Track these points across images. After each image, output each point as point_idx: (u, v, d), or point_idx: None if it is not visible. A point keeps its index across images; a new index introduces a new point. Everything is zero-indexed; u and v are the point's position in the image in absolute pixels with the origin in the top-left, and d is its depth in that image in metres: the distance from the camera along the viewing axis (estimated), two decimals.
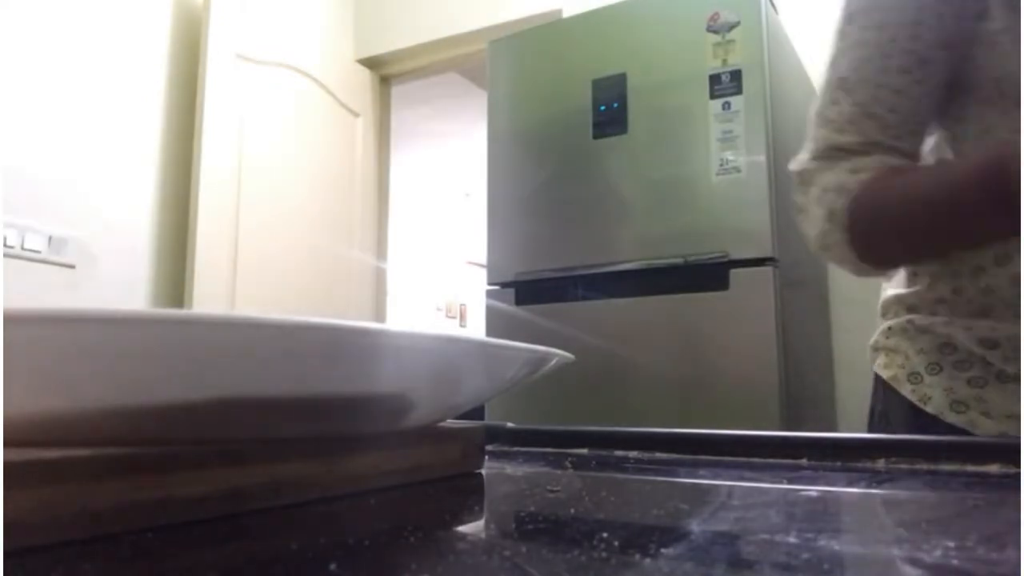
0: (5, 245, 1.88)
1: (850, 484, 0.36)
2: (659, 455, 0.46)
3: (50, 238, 1.98)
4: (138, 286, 2.23)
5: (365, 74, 2.99)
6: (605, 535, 0.22)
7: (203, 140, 2.28)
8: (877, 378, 0.76)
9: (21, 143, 1.94)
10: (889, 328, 0.74)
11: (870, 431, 0.75)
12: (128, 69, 2.24)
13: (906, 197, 0.63)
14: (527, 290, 1.79)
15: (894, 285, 0.76)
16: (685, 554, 0.21)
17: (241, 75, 2.41)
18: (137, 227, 2.23)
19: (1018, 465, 0.37)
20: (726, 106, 1.62)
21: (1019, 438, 0.38)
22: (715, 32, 1.65)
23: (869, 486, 0.35)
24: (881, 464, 0.40)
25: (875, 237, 0.66)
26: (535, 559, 0.20)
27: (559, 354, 0.35)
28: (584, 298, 1.71)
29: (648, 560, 0.19)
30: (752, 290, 1.54)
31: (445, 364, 0.29)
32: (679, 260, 1.61)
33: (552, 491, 0.34)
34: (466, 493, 0.33)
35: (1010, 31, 0.62)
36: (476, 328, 7.09)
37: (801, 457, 0.42)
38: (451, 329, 6.18)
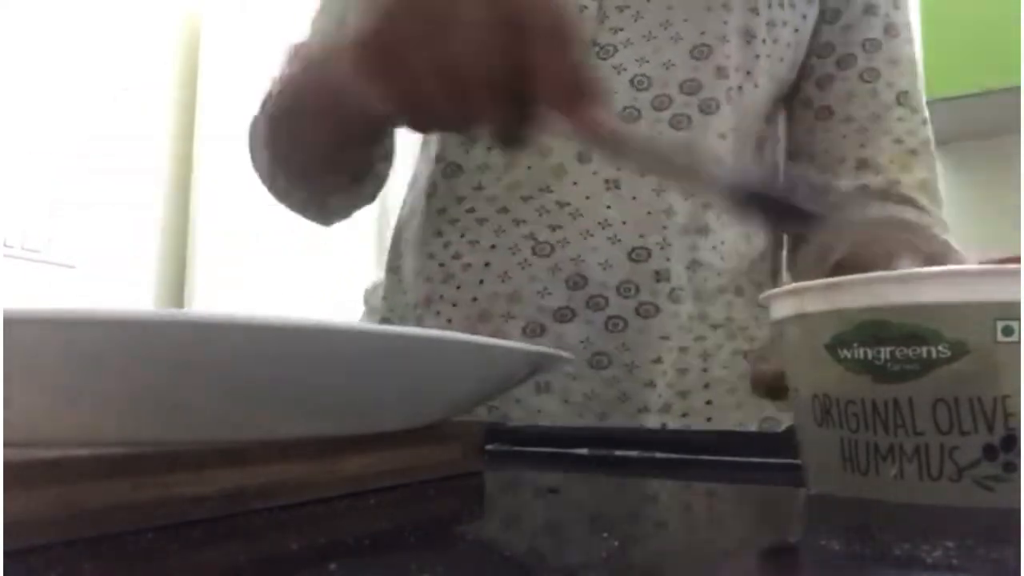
0: (5, 245, 1.88)
1: None
2: (659, 455, 0.46)
3: (50, 238, 1.98)
4: (138, 286, 2.22)
5: None
6: (605, 535, 0.22)
7: (203, 140, 2.28)
8: None
9: (21, 142, 1.94)
10: None
11: None
12: (132, 70, 2.24)
13: (283, 86, 0.51)
14: None
15: None
16: (686, 553, 0.21)
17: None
18: (138, 227, 2.23)
19: None
20: None
21: None
22: None
23: None
24: None
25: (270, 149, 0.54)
26: (535, 559, 0.20)
27: (559, 354, 0.35)
28: None
29: (649, 560, 0.19)
30: None
31: (445, 364, 0.29)
32: None
33: (552, 491, 0.34)
34: (466, 493, 0.33)
35: None
36: None
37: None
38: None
